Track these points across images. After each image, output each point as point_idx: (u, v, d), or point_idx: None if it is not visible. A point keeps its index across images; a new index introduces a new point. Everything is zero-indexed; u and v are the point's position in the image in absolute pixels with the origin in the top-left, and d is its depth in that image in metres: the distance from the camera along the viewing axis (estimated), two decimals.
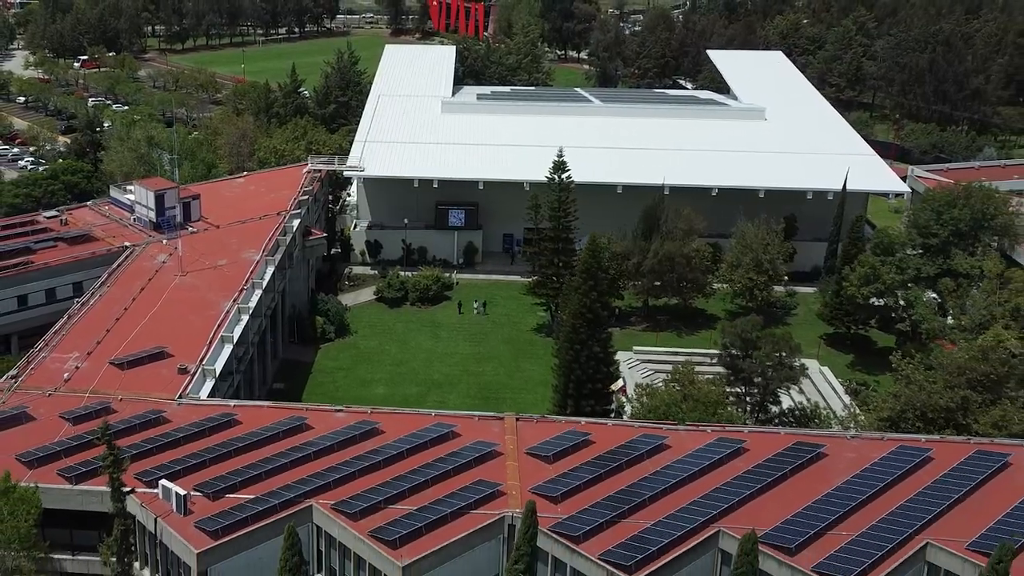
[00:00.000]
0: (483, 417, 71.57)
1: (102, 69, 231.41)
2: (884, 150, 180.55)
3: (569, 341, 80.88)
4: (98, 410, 68.90)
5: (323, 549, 59.85)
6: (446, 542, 56.59)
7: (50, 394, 71.75)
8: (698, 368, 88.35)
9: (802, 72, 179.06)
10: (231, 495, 60.03)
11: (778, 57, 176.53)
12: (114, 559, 58.22)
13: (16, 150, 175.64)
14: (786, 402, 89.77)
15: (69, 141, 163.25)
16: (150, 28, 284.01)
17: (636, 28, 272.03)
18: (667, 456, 65.46)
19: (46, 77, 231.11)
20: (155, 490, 59.99)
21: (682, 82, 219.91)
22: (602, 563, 54.77)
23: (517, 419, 70.51)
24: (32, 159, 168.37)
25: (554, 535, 56.98)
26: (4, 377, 75.14)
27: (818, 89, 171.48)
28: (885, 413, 76.46)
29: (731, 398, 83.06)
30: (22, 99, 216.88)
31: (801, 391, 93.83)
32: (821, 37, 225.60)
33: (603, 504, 59.60)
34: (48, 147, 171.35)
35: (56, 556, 61.38)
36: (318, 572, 60.12)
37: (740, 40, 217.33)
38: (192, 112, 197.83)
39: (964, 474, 63.33)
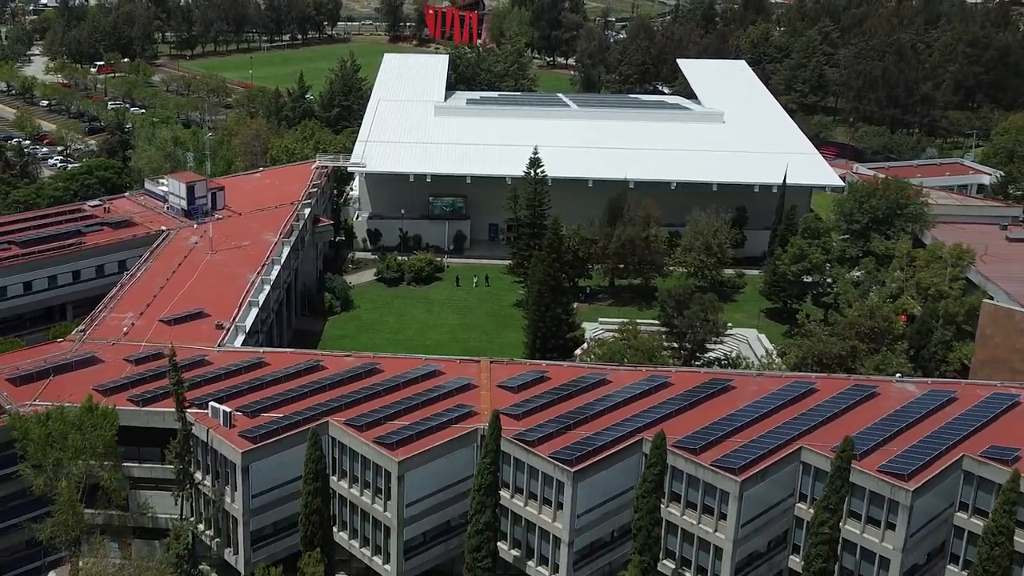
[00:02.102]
0: (463, 360, 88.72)
1: (118, 74, 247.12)
2: (842, 150, 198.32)
3: (536, 304, 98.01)
4: (154, 354, 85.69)
5: (337, 456, 76.64)
6: (432, 446, 73.38)
7: (113, 343, 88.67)
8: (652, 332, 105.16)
9: (770, 79, 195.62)
10: (265, 414, 76.80)
11: (741, 66, 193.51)
12: (176, 460, 74.95)
13: (45, 149, 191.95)
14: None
15: (99, 141, 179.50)
16: (160, 35, 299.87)
17: (621, 36, 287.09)
18: (608, 388, 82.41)
19: (67, 82, 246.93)
20: (205, 411, 76.74)
21: (661, 87, 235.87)
22: (550, 459, 71.63)
23: (491, 362, 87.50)
24: (61, 157, 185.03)
25: (515, 442, 73.73)
26: (74, 331, 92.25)
27: (784, 94, 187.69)
28: (791, 360, 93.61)
29: (668, 351, 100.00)
30: (45, 102, 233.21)
31: (739, 353, 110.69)
32: (788, 46, 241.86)
33: (555, 420, 76.32)
34: (77, 146, 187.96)
35: (126, 464, 78.14)
36: (332, 474, 76.86)
37: (714, 49, 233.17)
38: (206, 115, 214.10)
39: (839, 401, 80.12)
